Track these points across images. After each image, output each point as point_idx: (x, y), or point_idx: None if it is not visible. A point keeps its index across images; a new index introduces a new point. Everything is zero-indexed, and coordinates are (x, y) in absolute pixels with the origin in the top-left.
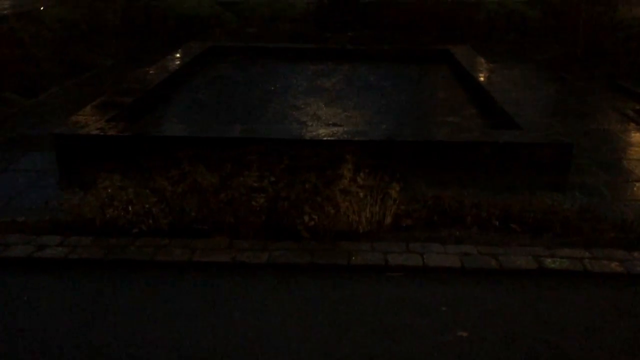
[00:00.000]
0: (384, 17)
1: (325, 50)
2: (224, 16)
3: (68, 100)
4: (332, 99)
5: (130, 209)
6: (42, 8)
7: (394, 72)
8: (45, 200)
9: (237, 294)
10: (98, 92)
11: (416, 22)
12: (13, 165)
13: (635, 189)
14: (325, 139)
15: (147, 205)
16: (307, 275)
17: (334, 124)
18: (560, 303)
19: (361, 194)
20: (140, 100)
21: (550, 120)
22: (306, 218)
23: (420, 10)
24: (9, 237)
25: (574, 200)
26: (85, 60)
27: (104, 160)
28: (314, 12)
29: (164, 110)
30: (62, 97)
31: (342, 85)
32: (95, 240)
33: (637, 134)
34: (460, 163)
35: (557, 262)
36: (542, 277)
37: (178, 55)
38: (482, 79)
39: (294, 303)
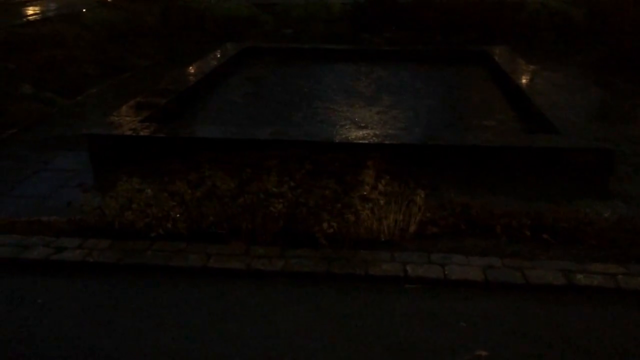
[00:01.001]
0: (422, 18)
1: (360, 51)
2: (260, 17)
3: (105, 100)
4: (365, 101)
5: (148, 212)
6: (84, 10)
7: (430, 73)
8: (68, 201)
9: (249, 302)
10: (134, 93)
11: (455, 23)
12: (49, 164)
13: None
14: (350, 142)
15: (165, 209)
16: (323, 285)
17: (366, 127)
18: (590, 323)
19: (382, 202)
20: (174, 101)
21: (592, 124)
22: (325, 225)
23: (460, 11)
24: (30, 238)
25: (612, 210)
26: (123, 62)
27: (136, 161)
28: (350, 13)
29: (197, 112)
30: (99, 98)
31: (376, 87)
32: (113, 244)
33: None
34: (493, 169)
35: (588, 278)
36: (571, 293)
37: (214, 56)
38: (520, 81)
39: (308, 314)
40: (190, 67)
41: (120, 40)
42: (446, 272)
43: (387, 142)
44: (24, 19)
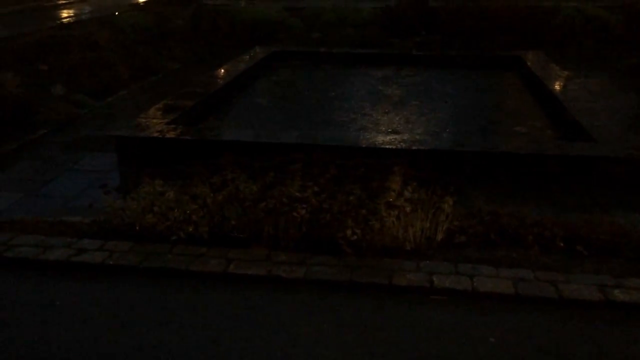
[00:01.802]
0: (454, 23)
1: (390, 56)
2: (289, 21)
3: (134, 102)
4: (394, 106)
5: (170, 215)
6: (116, 13)
7: (461, 79)
8: (90, 203)
9: (270, 310)
10: (163, 95)
11: (487, 28)
12: (77, 165)
13: None
14: (377, 147)
15: (187, 212)
16: (345, 294)
17: (393, 131)
18: (628, 341)
19: (408, 209)
20: (202, 103)
21: (629, 133)
22: (348, 232)
23: (492, 16)
24: (51, 239)
25: None
26: (153, 64)
27: (161, 162)
28: (380, 18)
29: (224, 114)
30: (129, 100)
31: (405, 92)
32: (133, 246)
33: None
34: (525, 177)
35: (625, 294)
36: (607, 309)
37: (242, 59)
38: (554, 87)
39: (329, 324)
40: (219, 70)
41: (151, 43)
42: (474, 284)
43: (414, 147)
44: (58, 22)
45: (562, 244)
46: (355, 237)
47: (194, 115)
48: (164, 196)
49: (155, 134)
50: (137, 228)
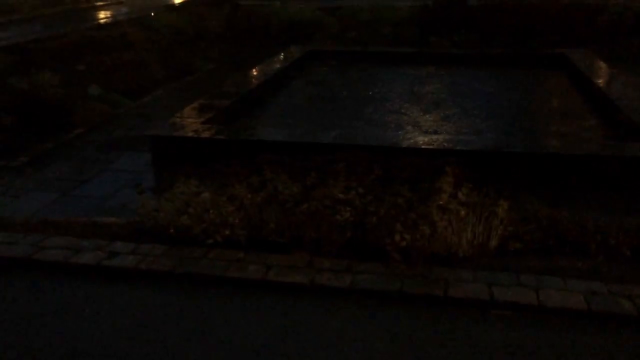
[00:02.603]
0: (494, 20)
1: (427, 54)
2: (324, 21)
3: (170, 102)
4: (433, 105)
5: (205, 217)
6: (152, 14)
7: (502, 77)
8: (124, 204)
9: (312, 322)
10: (198, 95)
11: (529, 26)
12: (112, 165)
13: None
14: (422, 147)
15: (223, 214)
16: (395, 306)
17: (434, 132)
18: None
19: (462, 212)
20: (237, 103)
21: None
22: (397, 237)
23: (534, 12)
24: (83, 241)
25: None
26: (188, 64)
27: (197, 162)
28: (417, 16)
29: (259, 114)
30: (164, 100)
31: (444, 91)
32: (167, 250)
33: None
34: (578, 179)
35: None
36: None
37: (277, 59)
38: (604, 85)
39: (377, 339)
40: (254, 70)
41: (186, 44)
42: (541, 298)
43: (458, 147)
44: (96, 23)
45: (628, 253)
46: (404, 243)
47: (229, 115)
48: (200, 197)
49: (190, 134)
50: (172, 230)
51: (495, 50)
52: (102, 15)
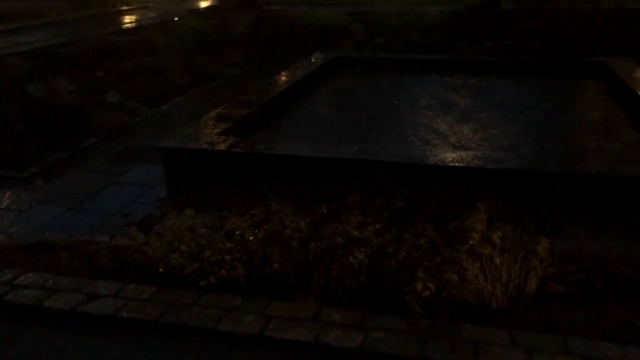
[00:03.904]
0: (528, 26)
1: (458, 62)
2: (352, 27)
3: (189, 110)
4: (463, 117)
5: (200, 255)
6: (176, 19)
7: (537, 87)
8: (112, 235)
9: None
10: (219, 103)
11: (566, 32)
12: (123, 177)
13: None
14: (451, 165)
15: (220, 252)
16: None
17: (464, 147)
18: None
19: (498, 260)
20: (256, 112)
21: None
22: (419, 286)
23: (572, 19)
24: (62, 279)
25: None
26: (211, 70)
27: (212, 175)
28: (447, 22)
29: (279, 124)
30: (184, 107)
31: (475, 101)
32: (155, 293)
33: None
34: (629, 205)
35: None
36: None
37: (301, 66)
38: None
39: None
40: (277, 77)
41: (209, 49)
42: None
43: (489, 166)
44: (119, 28)
45: None
46: (427, 292)
47: (248, 125)
48: (194, 232)
49: (205, 146)
50: (161, 269)
51: (530, 57)
52: (127, 20)
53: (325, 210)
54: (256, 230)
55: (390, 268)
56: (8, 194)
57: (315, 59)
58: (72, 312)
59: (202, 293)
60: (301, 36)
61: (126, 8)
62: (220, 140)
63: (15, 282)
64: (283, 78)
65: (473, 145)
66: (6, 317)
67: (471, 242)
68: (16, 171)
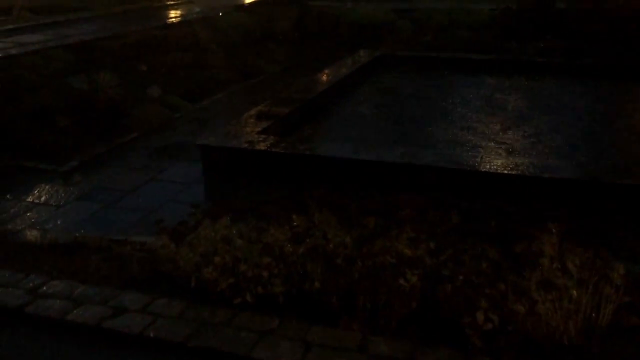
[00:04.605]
0: (585, 26)
1: (509, 62)
2: (397, 24)
3: (230, 107)
4: (514, 121)
5: (235, 269)
6: (220, 14)
7: (594, 90)
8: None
9: None
10: (260, 100)
11: (625, 33)
12: (161, 174)
13: None
14: (503, 172)
15: (257, 266)
16: None
17: (516, 153)
18: None
19: (574, 292)
20: (298, 111)
21: None
22: (480, 317)
23: (633, 19)
24: (88, 288)
25: None
26: (253, 66)
27: (250, 176)
28: (498, 20)
29: (321, 124)
30: (225, 104)
31: (526, 104)
32: (185, 309)
33: None
34: None
35: None
36: None
37: (344, 64)
38: None
39: None
40: (319, 75)
41: (253, 45)
42: None
43: (545, 175)
44: (163, 22)
45: None
46: (490, 325)
47: (289, 124)
48: (230, 243)
49: (244, 145)
50: (193, 283)
51: (586, 59)
52: (172, 14)
53: (372, 225)
54: (296, 244)
55: (446, 294)
56: (47, 188)
57: (360, 56)
58: (97, 327)
59: (236, 312)
60: (345, 33)
61: (172, 2)
62: (261, 139)
63: (40, 290)
64: (326, 76)
65: (527, 150)
66: (24, 331)
67: (541, 268)
68: (56, 165)
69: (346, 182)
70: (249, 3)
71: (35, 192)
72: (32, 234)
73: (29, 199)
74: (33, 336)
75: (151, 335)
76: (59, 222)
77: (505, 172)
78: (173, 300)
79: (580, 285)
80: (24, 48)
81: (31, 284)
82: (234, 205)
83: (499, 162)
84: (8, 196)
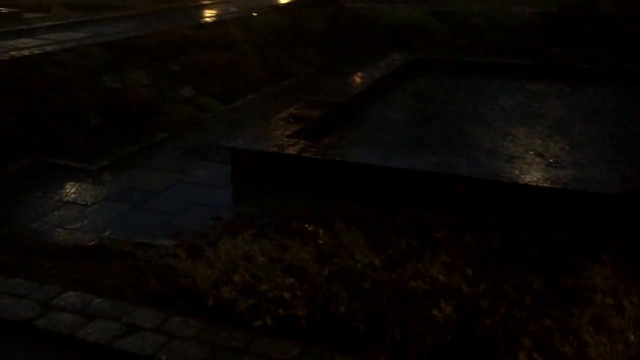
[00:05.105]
0: (631, 32)
1: (549, 68)
2: (434, 26)
3: (261, 108)
4: (555, 130)
5: (256, 289)
6: (254, 14)
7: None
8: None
9: None
10: (291, 102)
11: None
12: (189, 176)
13: None
14: (539, 185)
15: (277, 291)
16: None
17: (558, 164)
18: None
19: (631, 336)
20: (329, 115)
21: None
22: (522, 357)
23: None
24: (102, 302)
25: None
26: (286, 67)
27: (280, 179)
28: (539, 24)
29: (353, 128)
30: (256, 105)
31: (569, 112)
32: (201, 330)
33: None
34: None
35: None
36: None
37: (378, 66)
38: None
39: None
40: (352, 77)
41: (286, 46)
42: None
43: (590, 190)
44: (198, 21)
45: None
46: None
47: (320, 128)
48: (250, 261)
49: (273, 149)
50: (210, 302)
51: (630, 65)
52: (207, 13)
53: (404, 246)
54: (322, 264)
55: (484, 328)
56: (76, 186)
57: (394, 59)
58: (107, 346)
59: (255, 336)
60: (380, 35)
61: (208, 2)
62: (290, 143)
63: (53, 302)
64: (359, 78)
65: (568, 162)
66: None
67: (592, 304)
68: (87, 163)
69: (377, 190)
70: (284, 3)
71: (65, 190)
72: (55, 235)
73: (57, 197)
74: (40, 354)
75: (163, 358)
76: (85, 222)
77: (547, 185)
78: (189, 319)
79: (638, 327)
80: (60, 45)
81: (44, 295)
82: (257, 219)
83: (539, 174)
84: (38, 194)
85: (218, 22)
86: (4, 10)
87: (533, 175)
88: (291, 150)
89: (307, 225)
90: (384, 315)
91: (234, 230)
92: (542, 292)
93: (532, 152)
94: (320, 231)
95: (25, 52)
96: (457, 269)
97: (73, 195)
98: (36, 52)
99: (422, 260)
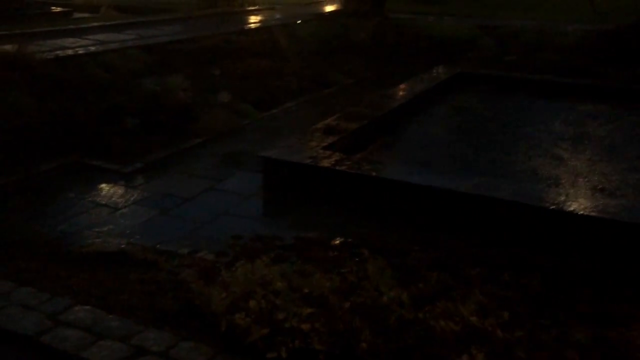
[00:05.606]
0: None
1: (601, 88)
2: (480, 41)
3: (298, 117)
4: (607, 155)
5: (271, 317)
6: (298, 22)
7: None
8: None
9: None
10: (329, 112)
11: None
12: (221, 183)
13: None
14: (586, 214)
15: (295, 322)
16: None
17: (605, 191)
18: None
19: None
20: (367, 127)
21: None
22: None
23: None
24: (112, 321)
25: None
26: (326, 77)
27: (312, 192)
28: (593, 42)
29: (390, 143)
30: (293, 113)
31: (619, 135)
32: (211, 358)
33: None
34: None
35: None
36: None
37: (421, 79)
38: None
39: None
40: (394, 90)
41: (328, 55)
42: None
43: None
44: (241, 27)
45: None
46: None
47: (356, 140)
48: (268, 287)
49: (307, 161)
50: (223, 328)
51: None
52: (251, 20)
53: (434, 281)
54: (344, 296)
55: None
56: (108, 188)
57: (438, 73)
58: None
59: None
60: (425, 48)
61: (253, 8)
62: (325, 155)
63: (61, 316)
64: (400, 91)
65: (621, 189)
66: None
67: None
68: (121, 165)
69: (409, 210)
70: (328, 12)
71: (97, 192)
72: (79, 239)
73: (89, 199)
74: None
75: None
76: (113, 227)
77: (593, 214)
78: (200, 344)
79: None
80: (104, 46)
81: (54, 308)
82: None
83: (587, 202)
84: (71, 194)
85: (261, 28)
86: (56, 9)
87: (580, 203)
88: (325, 163)
89: (331, 251)
90: (409, 356)
91: (254, 251)
92: (585, 345)
93: (580, 177)
94: (345, 258)
95: (69, 52)
96: (491, 310)
97: (105, 198)
98: (80, 52)
99: (454, 298)
